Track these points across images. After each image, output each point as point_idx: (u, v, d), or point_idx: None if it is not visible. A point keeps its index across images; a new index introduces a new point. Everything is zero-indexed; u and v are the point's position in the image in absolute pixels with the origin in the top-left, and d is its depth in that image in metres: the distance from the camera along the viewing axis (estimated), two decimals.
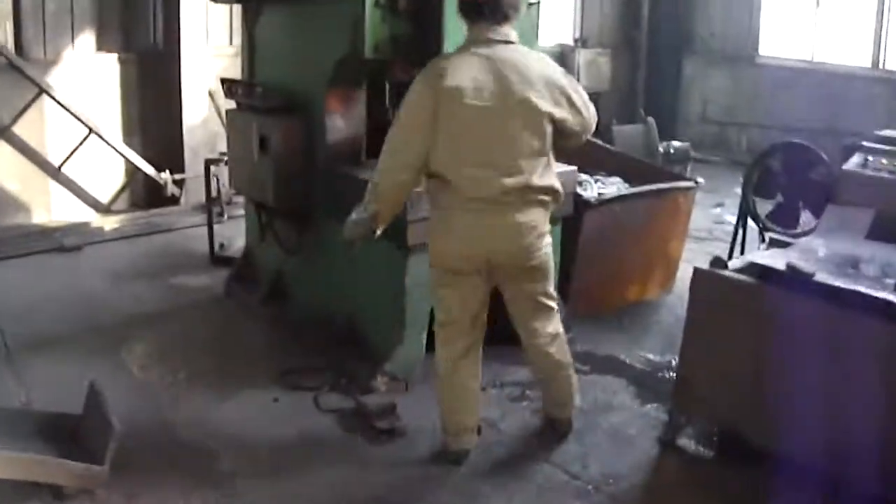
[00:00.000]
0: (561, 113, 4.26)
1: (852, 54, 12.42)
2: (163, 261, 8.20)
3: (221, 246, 8.17)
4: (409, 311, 5.41)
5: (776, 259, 4.54)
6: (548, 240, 4.43)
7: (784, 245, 5.06)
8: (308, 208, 6.09)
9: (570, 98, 4.30)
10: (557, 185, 4.38)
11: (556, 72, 4.34)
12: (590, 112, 4.43)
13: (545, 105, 4.19)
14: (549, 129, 4.25)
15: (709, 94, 13.71)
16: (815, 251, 4.77)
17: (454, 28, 4.92)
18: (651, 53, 13.79)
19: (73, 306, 6.92)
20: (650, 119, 10.75)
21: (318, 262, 6.16)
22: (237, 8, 8.03)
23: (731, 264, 4.66)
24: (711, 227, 9.59)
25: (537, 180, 4.24)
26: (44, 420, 4.60)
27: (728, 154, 13.18)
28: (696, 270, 4.65)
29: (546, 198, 4.32)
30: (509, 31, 4.24)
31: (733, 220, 9.29)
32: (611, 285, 6.86)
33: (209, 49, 9.70)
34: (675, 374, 5.18)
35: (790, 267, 4.28)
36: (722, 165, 12.61)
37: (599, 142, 8.17)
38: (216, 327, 6.63)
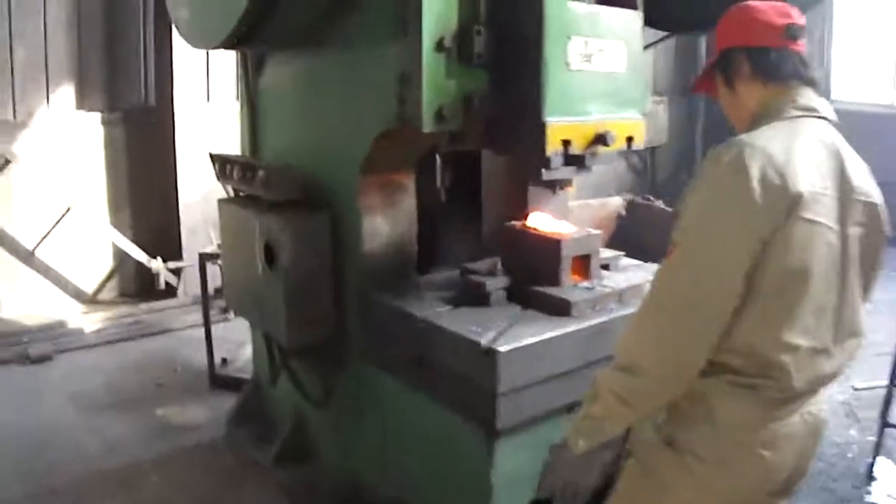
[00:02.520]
0: None
1: None
2: (150, 379, 6.12)
3: (224, 361, 6.05)
4: None
5: None
6: None
7: None
8: (339, 346, 3.98)
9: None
10: None
11: None
12: None
13: (886, 219, 2.41)
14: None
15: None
16: None
17: (560, 82, 3.21)
18: (710, 100, 11.65)
19: (19, 454, 4.97)
20: None
21: (355, 417, 4.06)
22: None
23: None
24: None
25: None
26: None
27: None
28: None
29: None
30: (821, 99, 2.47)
31: None
32: None
33: (211, 108, 7.55)
34: None
35: None
36: None
37: None
38: (209, 498, 4.49)
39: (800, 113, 2.35)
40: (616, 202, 5.90)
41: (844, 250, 2.28)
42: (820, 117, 2.38)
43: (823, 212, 2.20)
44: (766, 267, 2.16)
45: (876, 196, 2.37)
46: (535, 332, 3.15)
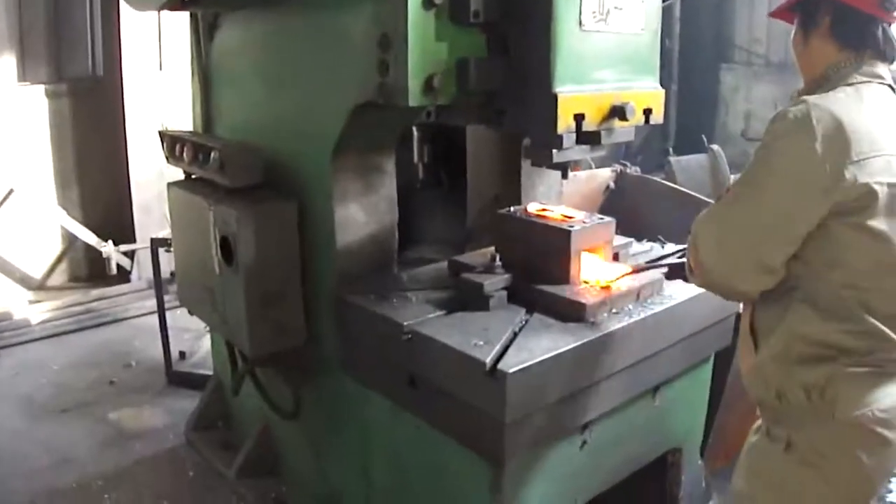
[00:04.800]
0: None
1: None
2: (102, 376, 5.47)
3: (182, 355, 5.43)
4: None
5: None
6: None
7: None
8: (311, 354, 3.39)
9: None
10: None
11: None
12: None
13: None
14: None
15: (753, 107, 11.05)
16: None
17: (572, 46, 2.63)
18: (683, 65, 11.10)
19: None
20: (715, 147, 8.02)
21: (332, 433, 3.48)
22: None
23: None
24: None
25: None
26: None
27: None
28: None
29: None
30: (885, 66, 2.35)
31: None
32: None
33: (164, 77, 6.84)
34: None
35: None
36: None
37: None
38: None
39: (864, 79, 2.26)
40: (605, 174, 5.32)
41: None
42: (886, 84, 2.29)
43: None
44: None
45: None
46: (547, 345, 2.57)
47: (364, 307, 2.96)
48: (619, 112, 2.72)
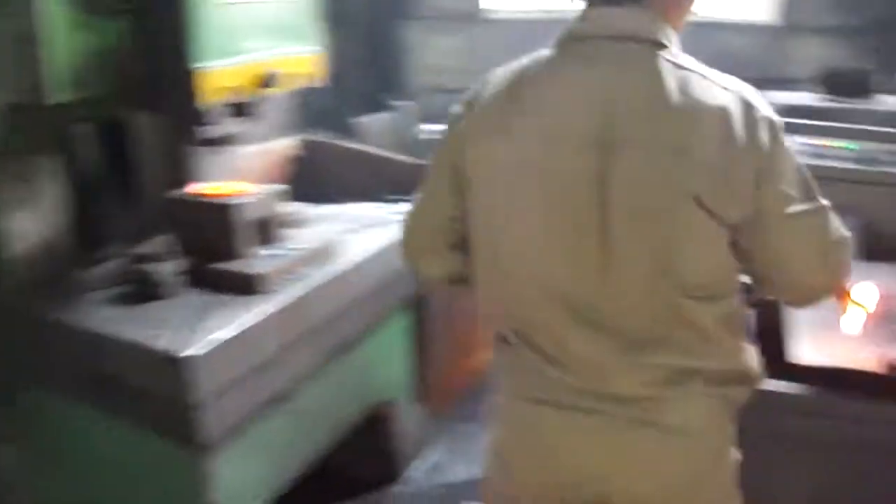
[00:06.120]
0: (733, 208, 1.64)
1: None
2: None
3: None
4: None
5: None
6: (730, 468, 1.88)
7: None
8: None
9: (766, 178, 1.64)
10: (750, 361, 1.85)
11: (739, 112, 1.63)
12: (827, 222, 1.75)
13: (698, 182, 1.60)
14: (720, 236, 1.66)
15: (441, 62, 11.31)
16: None
17: (211, 20, 2.68)
18: (365, 24, 11.20)
19: None
20: (402, 103, 8.22)
21: (38, 448, 3.31)
22: None
23: None
24: None
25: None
26: None
27: None
28: None
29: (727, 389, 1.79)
30: (639, 16, 1.69)
31: None
32: (460, 360, 4.41)
33: None
34: None
35: None
36: None
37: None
38: None
39: (575, 37, 1.76)
40: (283, 144, 5.29)
41: (601, 210, 1.66)
42: (608, 39, 1.70)
43: (559, 154, 1.68)
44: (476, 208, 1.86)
45: (679, 137, 1.61)
46: (221, 323, 2.64)
47: (41, 317, 2.87)
48: (267, 80, 2.80)
